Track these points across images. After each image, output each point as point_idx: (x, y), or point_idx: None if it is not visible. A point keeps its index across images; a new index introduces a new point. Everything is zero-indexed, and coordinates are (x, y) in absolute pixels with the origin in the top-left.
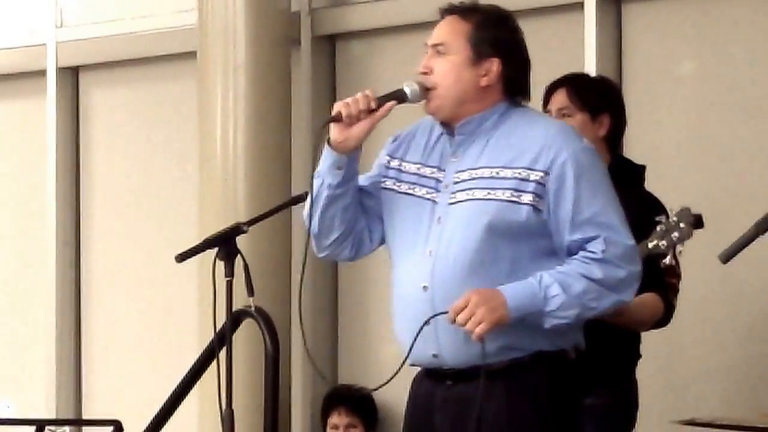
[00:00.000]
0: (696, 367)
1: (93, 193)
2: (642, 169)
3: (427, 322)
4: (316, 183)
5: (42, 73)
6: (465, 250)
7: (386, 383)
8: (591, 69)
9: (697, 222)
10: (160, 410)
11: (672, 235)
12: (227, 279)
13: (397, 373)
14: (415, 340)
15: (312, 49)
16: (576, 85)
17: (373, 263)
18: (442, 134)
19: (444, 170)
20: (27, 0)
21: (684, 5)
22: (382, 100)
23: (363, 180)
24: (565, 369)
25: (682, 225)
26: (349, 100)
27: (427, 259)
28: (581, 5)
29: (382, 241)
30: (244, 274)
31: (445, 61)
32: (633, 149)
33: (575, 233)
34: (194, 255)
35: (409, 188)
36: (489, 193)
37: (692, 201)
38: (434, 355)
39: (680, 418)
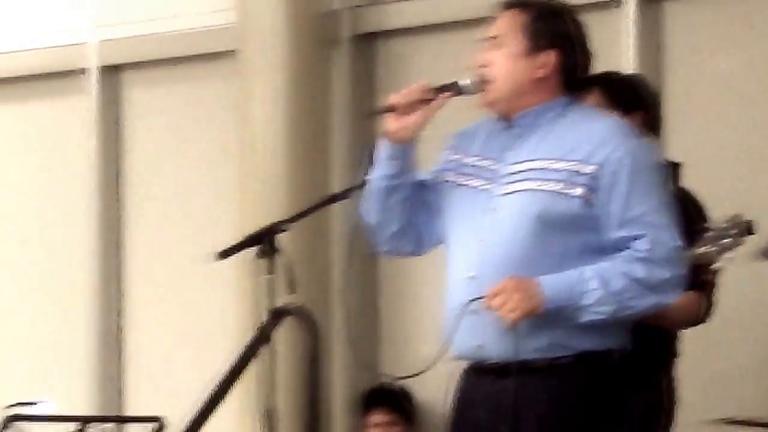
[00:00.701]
0: (736, 365)
1: (134, 192)
2: (678, 166)
3: (467, 306)
4: (372, 175)
5: (83, 72)
6: (513, 240)
7: (423, 371)
8: (630, 67)
9: (749, 229)
10: (201, 407)
11: (722, 242)
12: (268, 277)
13: (436, 361)
14: (454, 327)
15: (352, 47)
16: (608, 83)
17: (414, 258)
18: (501, 127)
19: (500, 162)
20: None
21: (725, 2)
22: (437, 92)
23: (425, 174)
24: (609, 371)
25: (733, 232)
26: (404, 90)
27: (477, 249)
28: (621, 2)
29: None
30: (284, 272)
31: (501, 53)
32: (674, 148)
33: (622, 230)
34: (235, 253)
35: (467, 180)
36: (541, 184)
37: (733, 199)
38: (479, 346)
39: (719, 417)
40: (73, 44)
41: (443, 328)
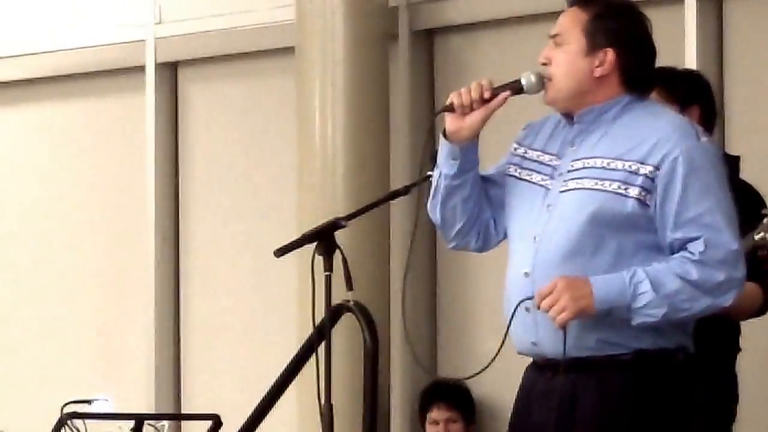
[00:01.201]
0: None
1: (192, 189)
2: (736, 159)
3: (519, 305)
4: (435, 174)
5: (141, 68)
6: (568, 237)
7: (482, 371)
8: (691, 63)
9: None
10: (258, 405)
11: None
12: (326, 273)
13: (493, 359)
14: (508, 327)
15: (410, 43)
16: (664, 78)
17: (472, 254)
18: (564, 123)
19: (561, 158)
20: None
21: None
22: (496, 91)
23: (490, 169)
24: (668, 371)
25: None
26: (462, 89)
27: (532, 245)
28: (682, 0)
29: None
30: (342, 269)
31: (562, 51)
32: (735, 144)
33: (677, 232)
34: (293, 250)
35: (528, 174)
36: (597, 183)
37: None
38: (533, 343)
39: None
40: (131, 41)
41: (502, 324)
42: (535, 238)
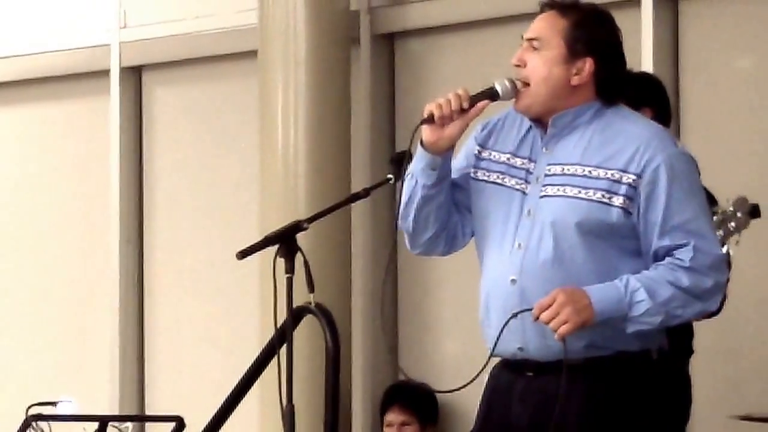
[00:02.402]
0: (752, 361)
1: (155, 192)
2: None
3: (513, 316)
4: (410, 184)
5: (105, 73)
6: (555, 245)
7: (470, 383)
8: (647, 65)
9: (754, 211)
10: (221, 406)
11: (729, 225)
12: (287, 276)
13: (482, 370)
14: (500, 333)
15: (371, 47)
16: None
17: (433, 257)
18: (531, 126)
19: (535, 161)
20: (90, 1)
21: (741, 2)
22: (473, 99)
23: (453, 173)
24: (647, 369)
25: (738, 214)
26: (441, 100)
27: (517, 252)
28: (638, 2)
29: (473, 234)
30: (304, 271)
31: (539, 56)
32: (691, 145)
33: (664, 239)
34: (255, 252)
35: (499, 177)
36: (581, 192)
37: (749, 196)
38: (519, 348)
39: (736, 414)
40: (95, 45)
41: (485, 330)
42: (519, 245)
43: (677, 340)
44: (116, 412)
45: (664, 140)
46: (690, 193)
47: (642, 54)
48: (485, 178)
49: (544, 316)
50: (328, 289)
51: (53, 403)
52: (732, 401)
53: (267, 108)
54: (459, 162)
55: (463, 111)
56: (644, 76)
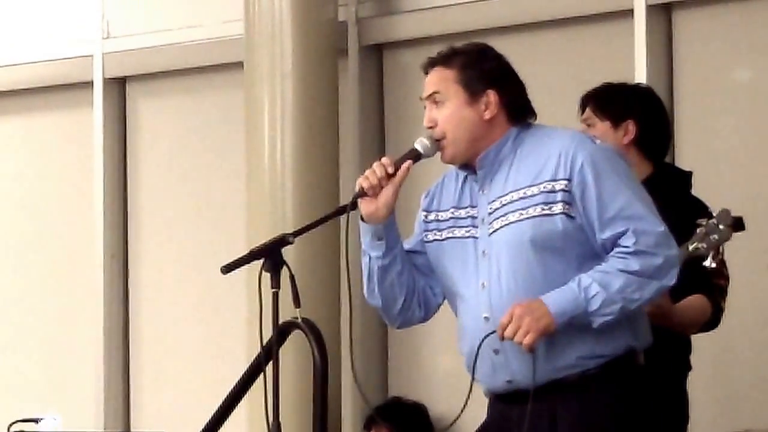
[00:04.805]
0: (749, 376)
1: (140, 204)
2: (688, 175)
3: (481, 345)
4: (365, 261)
5: (89, 84)
6: (515, 275)
7: (454, 422)
8: (641, 76)
9: (738, 224)
10: (207, 423)
11: (712, 237)
12: (273, 290)
13: (464, 408)
14: (474, 362)
15: (359, 58)
16: (597, 96)
17: None
18: (467, 176)
19: (476, 206)
20: (74, 11)
21: (734, 11)
22: (398, 163)
23: (408, 244)
24: (635, 376)
25: (721, 227)
26: (367, 172)
27: (482, 292)
28: (631, 12)
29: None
30: (290, 286)
31: (445, 108)
32: (686, 156)
33: (606, 231)
34: (240, 266)
35: (449, 232)
36: (522, 213)
37: (744, 207)
38: (508, 381)
39: (734, 429)
40: (79, 56)
41: (468, 367)
42: (483, 285)
43: (675, 355)
44: (101, 428)
45: (582, 141)
46: (618, 182)
47: (636, 64)
48: (437, 237)
49: (507, 332)
50: (316, 303)
51: (36, 420)
52: (730, 416)
53: (253, 120)
54: (414, 234)
55: (390, 176)
56: (631, 88)
